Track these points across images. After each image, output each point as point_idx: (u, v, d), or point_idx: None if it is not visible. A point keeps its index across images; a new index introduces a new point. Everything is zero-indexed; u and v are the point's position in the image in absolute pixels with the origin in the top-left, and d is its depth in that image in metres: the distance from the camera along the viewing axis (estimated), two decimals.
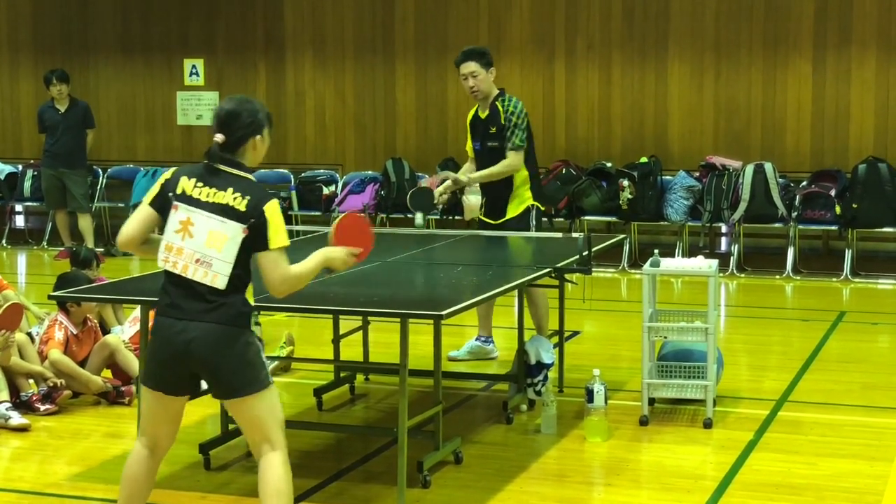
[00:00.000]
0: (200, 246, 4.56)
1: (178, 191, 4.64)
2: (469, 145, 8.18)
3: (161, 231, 4.70)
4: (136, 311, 7.39)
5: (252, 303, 4.70)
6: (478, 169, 8.02)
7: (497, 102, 7.93)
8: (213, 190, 4.60)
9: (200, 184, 4.62)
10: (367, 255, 4.92)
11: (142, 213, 4.73)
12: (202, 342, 4.56)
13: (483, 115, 8.01)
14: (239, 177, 4.63)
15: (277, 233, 4.56)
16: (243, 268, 4.60)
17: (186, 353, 4.59)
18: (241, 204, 4.55)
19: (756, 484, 5.88)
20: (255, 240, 4.56)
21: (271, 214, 4.56)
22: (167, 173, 4.75)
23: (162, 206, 4.68)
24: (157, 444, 4.81)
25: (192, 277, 4.57)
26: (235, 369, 4.60)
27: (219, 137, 4.64)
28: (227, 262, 4.55)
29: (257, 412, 4.65)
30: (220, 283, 4.55)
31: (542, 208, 8.05)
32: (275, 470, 4.64)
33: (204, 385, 4.80)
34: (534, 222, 7.93)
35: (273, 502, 4.62)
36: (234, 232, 4.55)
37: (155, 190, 4.72)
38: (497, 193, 7.96)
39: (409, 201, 7.94)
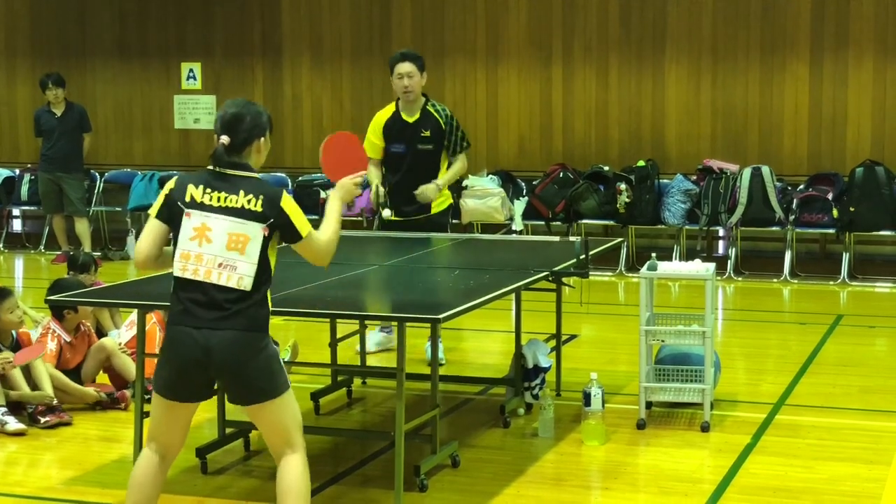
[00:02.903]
0: (221, 250, 4.57)
1: (187, 198, 4.63)
2: (375, 147, 8.10)
3: (171, 243, 4.69)
4: (133, 315, 7.37)
5: (270, 305, 4.72)
6: (395, 171, 8.13)
7: (429, 108, 8.06)
8: (224, 194, 4.62)
9: (209, 190, 4.63)
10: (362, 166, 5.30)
11: (152, 229, 4.71)
12: (222, 350, 4.55)
13: (411, 119, 8.09)
14: (247, 178, 4.67)
15: (300, 220, 4.68)
16: (264, 266, 4.63)
17: (206, 362, 4.58)
18: (255, 205, 4.60)
19: (753, 487, 5.88)
20: (284, 235, 4.67)
21: (289, 208, 4.65)
22: (170, 183, 4.73)
23: (170, 216, 4.66)
24: (167, 450, 4.80)
25: (216, 282, 4.55)
26: (256, 376, 4.61)
27: (224, 140, 4.67)
28: (251, 264, 4.58)
29: (277, 417, 4.68)
30: (247, 284, 4.57)
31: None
32: (294, 472, 4.69)
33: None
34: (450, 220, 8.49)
35: (291, 502, 4.65)
36: (255, 232, 4.59)
37: (160, 202, 4.70)
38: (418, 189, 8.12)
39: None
